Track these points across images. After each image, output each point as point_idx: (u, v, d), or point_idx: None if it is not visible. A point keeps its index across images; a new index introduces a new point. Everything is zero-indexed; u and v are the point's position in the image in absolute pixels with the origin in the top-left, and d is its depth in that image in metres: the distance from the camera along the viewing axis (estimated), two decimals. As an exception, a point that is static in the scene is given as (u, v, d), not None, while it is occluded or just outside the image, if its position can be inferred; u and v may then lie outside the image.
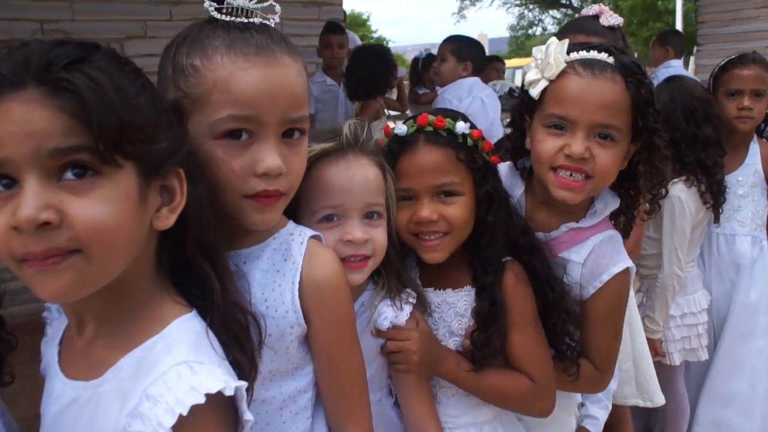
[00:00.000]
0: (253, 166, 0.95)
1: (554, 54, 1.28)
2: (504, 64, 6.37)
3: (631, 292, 2.07)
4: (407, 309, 1.26)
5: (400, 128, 1.30)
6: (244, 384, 0.80)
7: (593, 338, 1.40)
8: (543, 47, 1.32)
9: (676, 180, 2.33)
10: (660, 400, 2.08)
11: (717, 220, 2.43)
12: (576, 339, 1.34)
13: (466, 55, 3.92)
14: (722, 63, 2.51)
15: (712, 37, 5.86)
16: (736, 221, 2.50)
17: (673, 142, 2.34)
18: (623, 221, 1.47)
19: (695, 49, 6.00)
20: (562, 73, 1.28)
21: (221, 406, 0.78)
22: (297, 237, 1.08)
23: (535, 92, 1.32)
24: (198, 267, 0.88)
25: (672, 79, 2.46)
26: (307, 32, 4.83)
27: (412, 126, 1.30)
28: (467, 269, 1.34)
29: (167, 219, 0.84)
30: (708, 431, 2.50)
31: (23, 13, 3.77)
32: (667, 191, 1.48)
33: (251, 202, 0.97)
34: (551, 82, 1.29)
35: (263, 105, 0.94)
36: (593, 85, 1.26)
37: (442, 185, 1.27)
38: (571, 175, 1.28)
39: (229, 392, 0.77)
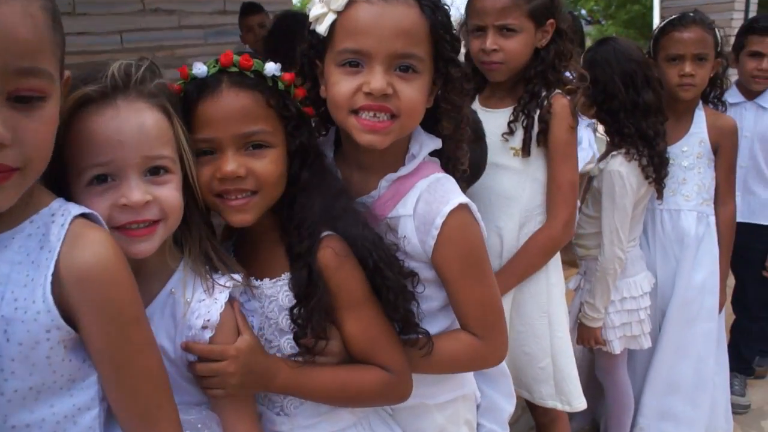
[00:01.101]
0: None
1: None
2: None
3: (553, 277, 1.86)
4: (221, 298, 1.04)
5: (199, 68, 1.10)
6: None
7: (458, 299, 1.21)
8: None
9: (615, 153, 2.14)
10: (580, 404, 1.87)
11: (660, 195, 2.25)
12: (406, 308, 1.15)
13: None
14: (661, 25, 2.32)
15: (674, 9, 5.63)
16: (681, 195, 2.31)
17: (611, 112, 2.15)
18: (453, 167, 1.28)
19: (659, 22, 5.79)
20: (351, 3, 1.11)
21: None
22: (59, 218, 0.86)
23: (322, 28, 1.13)
24: None
25: (605, 42, 2.23)
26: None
27: (214, 66, 1.10)
28: (283, 253, 1.14)
29: None
30: (653, 422, 2.33)
31: None
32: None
33: None
34: (339, 14, 1.11)
35: None
36: (386, 11, 1.09)
37: (250, 134, 1.09)
38: (374, 115, 1.11)
39: None
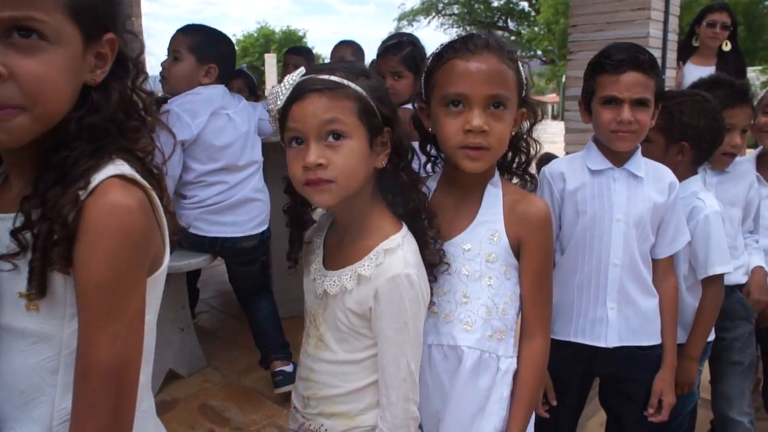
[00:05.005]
0: None
1: None
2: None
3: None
4: None
5: None
6: None
7: None
8: None
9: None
10: None
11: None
12: None
13: (210, 54, 2.87)
14: (437, 50, 1.48)
15: (584, 44, 4.96)
16: (460, 323, 1.46)
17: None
18: None
19: (567, 58, 5.10)
20: None
21: None
22: None
23: None
24: None
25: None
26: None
27: None
28: None
29: None
30: None
31: None
32: None
33: None
34: None
35: None
36: None
37: None
38: None
39: None
